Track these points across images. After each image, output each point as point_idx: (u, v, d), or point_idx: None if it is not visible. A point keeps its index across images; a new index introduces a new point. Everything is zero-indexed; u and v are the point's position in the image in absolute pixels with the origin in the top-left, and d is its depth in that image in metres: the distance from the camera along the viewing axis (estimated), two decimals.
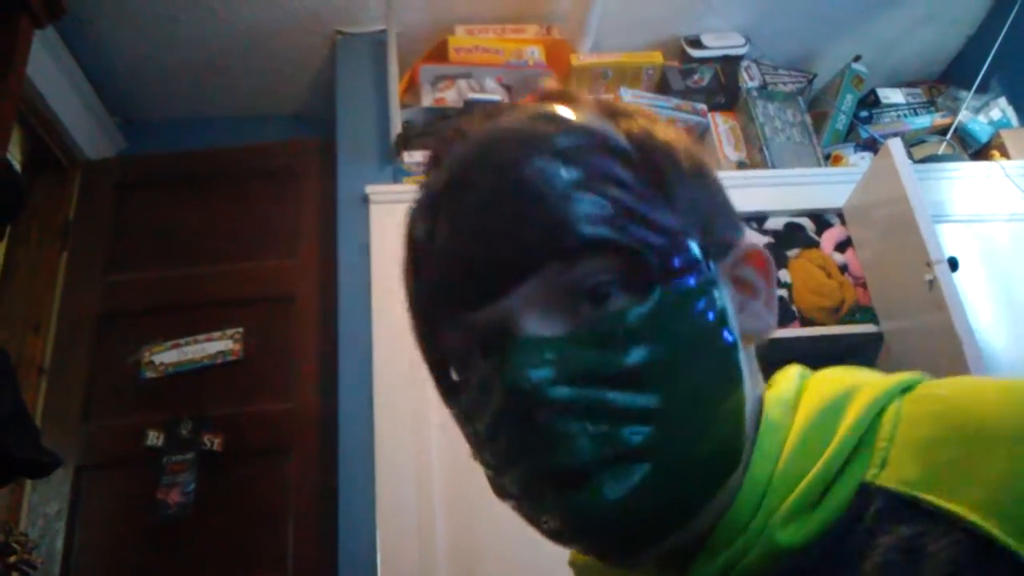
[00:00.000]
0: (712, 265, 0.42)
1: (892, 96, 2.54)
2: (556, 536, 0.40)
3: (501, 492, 0.43)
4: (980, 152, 2.40)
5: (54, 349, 2.05)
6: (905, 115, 2.50)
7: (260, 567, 1.82)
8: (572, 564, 0.57)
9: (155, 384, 1.98)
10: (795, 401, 0.42)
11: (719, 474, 0.39)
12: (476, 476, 1.66)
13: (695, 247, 0.41)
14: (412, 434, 1.75)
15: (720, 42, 2.47)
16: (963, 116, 2.40)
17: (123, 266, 2.15)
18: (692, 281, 0.40)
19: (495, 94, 2.26)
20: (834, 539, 0.37)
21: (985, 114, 2.42)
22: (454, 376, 0.45)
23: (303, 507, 1.85)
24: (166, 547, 1.81)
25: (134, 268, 2.15)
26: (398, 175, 2.11)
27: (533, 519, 0.41)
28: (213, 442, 1.88)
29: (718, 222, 0.44)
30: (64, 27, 2.12)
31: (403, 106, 2.22)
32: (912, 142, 2.37)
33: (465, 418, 0.43)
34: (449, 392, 0.45)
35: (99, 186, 2.27)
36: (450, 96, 2.25)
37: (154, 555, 1.81)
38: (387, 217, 2.00)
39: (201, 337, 2.02)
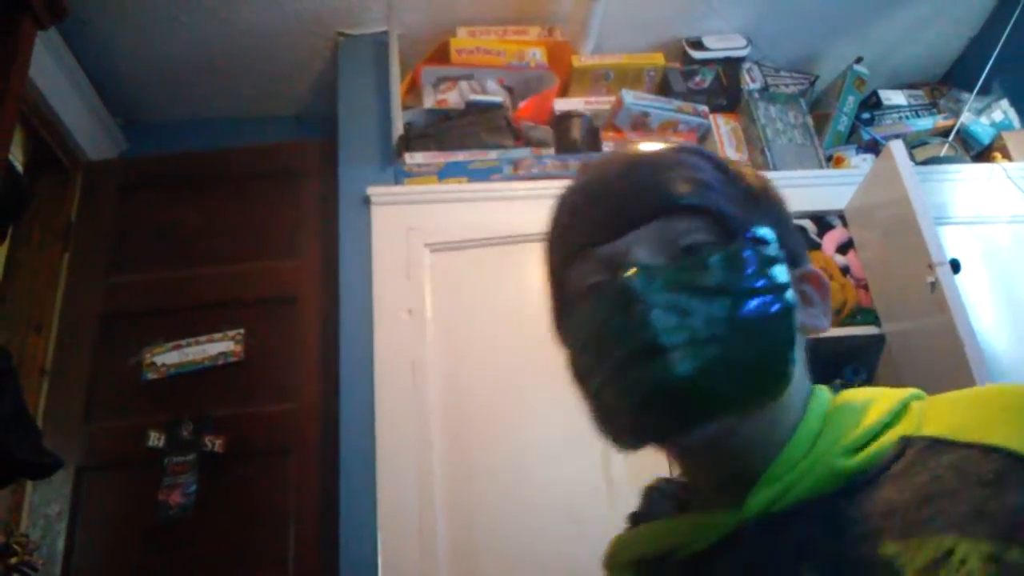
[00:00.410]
0: (782, 251, 0.54)
1: (894, 98, 2.54)
2: (635, 408, 0.49)
3: (594, 385, 0.53)
4: (982, 154, 2.39)
5: (56, 350, 2.05)
6: (907, 117, 2.50)
7: (261, 568, 1.82)
8: (612, 566, 0.64)
9: (156, 385, 1.98)
10: (831, 399, 0.55)
11: (765, 384, 0.49)
12: (477, 476, 1.66)
13: (771, 233, 0.54)
14: (413, 435, 1.75)
15: (722, 44, 2.47)
16: (965, 118, 2.40)
17: (125, 267, 2.15)
18: (765, 249, 0.52)
19: (497, 95, 2.26)
20: (882, 468, 0.47)
21: (987, 116, 2.42)
22: (571, 298, 0.56)
23: (304, 508, 1.85)
24: (167, 548, 1.81)
25: (136, 269, 2.15)
26: (399, 176, 2.11)
27: (616, 400, 0.50)
28: (214, 443, 1.88)
29: (790, 240, 0.57)
30: (66, 28, 2.12)
31: (405, 107, 2.23)
32: (914, 144, 2.37)
33: (577, 326, 0.55)
34: (566, 309, 0.58)
35: (101, 187, 2.28)
36: (452, 97, 2.25)
37: (155, 556, 1.81)
38: (388, 218, 2.00)
39: (202, 338, 2.02)
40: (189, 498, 1.82)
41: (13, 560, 1.46)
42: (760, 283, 0.50)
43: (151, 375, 1.98)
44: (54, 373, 2.03)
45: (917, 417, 0.50)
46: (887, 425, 0.50)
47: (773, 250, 0.53)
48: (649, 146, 0.59)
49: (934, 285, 1.68)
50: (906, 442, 0.48)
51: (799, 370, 0.53)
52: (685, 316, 0.48)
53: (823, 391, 0.55)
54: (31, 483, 1.88)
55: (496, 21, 2.37)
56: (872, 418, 0.50)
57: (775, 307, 0.50)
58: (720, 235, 0.52)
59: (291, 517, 1.84)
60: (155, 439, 1.88)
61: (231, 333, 2.03)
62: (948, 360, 1.62)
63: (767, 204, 0.57)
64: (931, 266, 1.69)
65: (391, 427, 1.76)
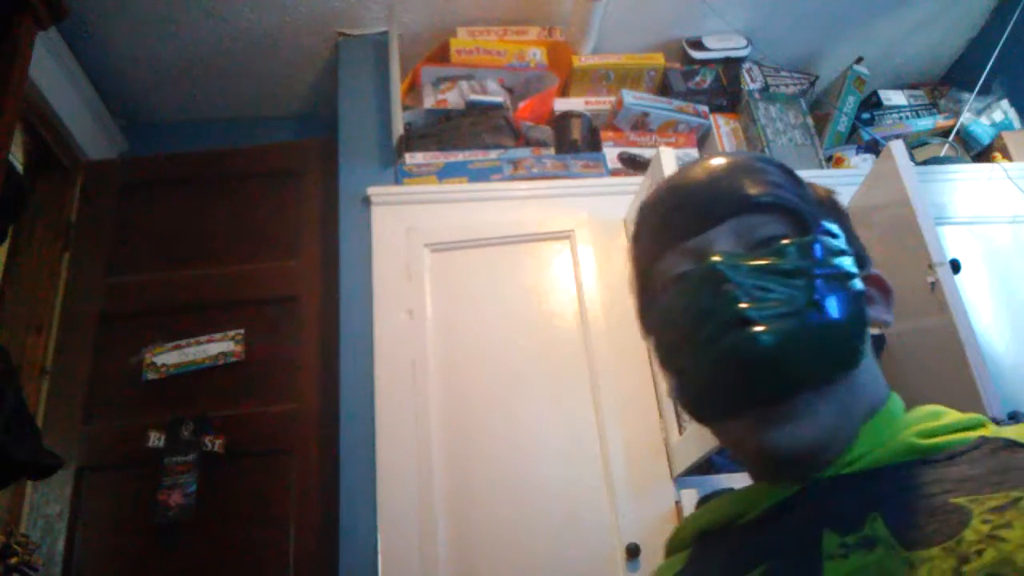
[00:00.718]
0: (851, 249, 0.60)
1: (894, 98, 2.54)
2: (722, 376, 0.53)
3: (682, 361, 0.57)
4: (982, 154, 2.39)
5: (56, 350, 2.05)
6: (907, 117, 2.50)
7: (261, 568, 1.82)
8: (673, 546, 0.66)
9: (156, 385, 1.98)
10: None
11: (839, 356, 0.54)
12: (476, 477, 1.66)
13: (839, 229, 0.60)
14: (413, 435, 1.75)
15: (722, 44, 2.47)
16: (965, 118, 2.40)
17: (125, 267, 2.15)
18: (834, 241, 0.58)
19: (497, 96, 2.26)
20: (958, 454, 0.50)
21: (987, 116, 2.42)
22: (659, 288, 0.61)
23: (304, 508, 1.85)
24: (167, 548, 1.81)
25: (136, 269, 2.15)
26: (400, 176, 2.11)
27: (706, 373, 0.54)
28: (214, 443, 1.88)
29: (855, 243, 0.62)
30: (67, 29, 2.12)
31: (405, 107, 2.23)
32: (914, 144, 2.37)
33: (666, 309, 0.59)
34: (652, 300, 0.62)
35: (101, 187, 2.28)
36: (452, 97, 2.25)
37: (155, 556, 1.81)
38: (388, 218, 2.00)
39: (202, 338, 2.02)
40: (189, 498, 1.82)
41: (13, 560, 1.46)
42: (831, 269, 0.56)
43: (151, 375, 1.99)
44: (54, 373, 2.03)
45: (994, 430, 0.53)
46: (964, 427, 0.53)
47: (841, 243, 0.59)
48: (723, 156, 0.65)
49: (934, 285, 1.68)
50: (983, 440, 0.51)
51: (870, 361, 0.57)
52: (766, 294, 0.53)
53: (897, 397, 0.59)
54: (31, 483, 1.88)
55: (496, 21, 2.37)
56: (950, 419, 0.54)
57: (845, 290, 0.55)
58: (792, 228, 0.58)
59: (291, 517, 1.84)
60: (155, 439, 1.88)
61: (231, 333, 2.03)
62: (948, 360, 1.62)
63: (833, 210, 0.64)
64: (931, 266, 1.69)
65: (391, 427, 1.76)
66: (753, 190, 0.59)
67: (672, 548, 0.66)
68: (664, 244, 0.61)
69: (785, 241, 0.56)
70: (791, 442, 0.52)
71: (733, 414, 0.55)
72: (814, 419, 0.52)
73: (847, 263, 0.58)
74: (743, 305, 0.52)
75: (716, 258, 0.55)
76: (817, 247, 0.57)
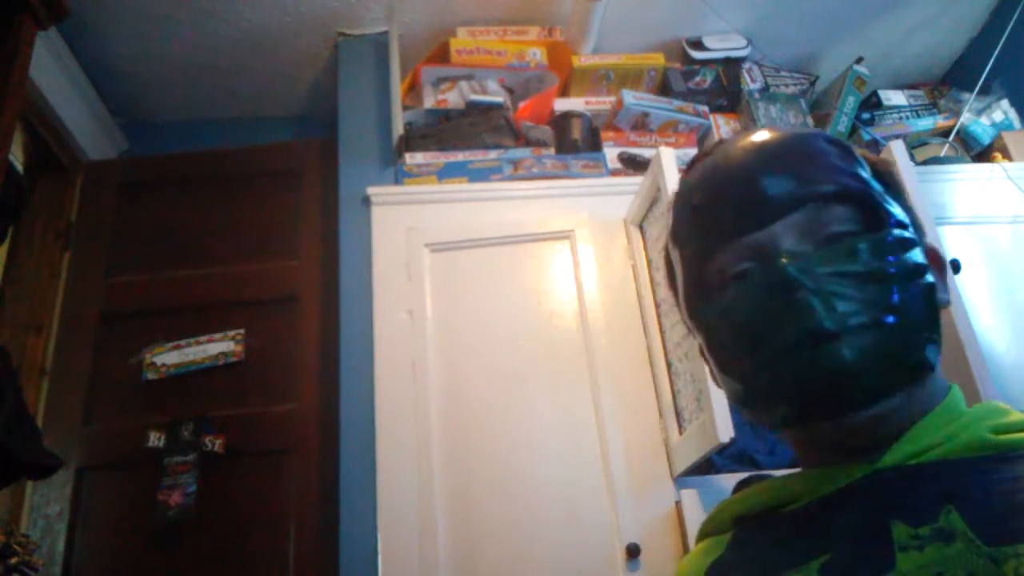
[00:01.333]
0: (918, 240, 0.56)
1: (894, 98, 2.54)
2: (799, 392, 0.50)
3: (746, 370, 0.54)
4: (982, 154, 2.39)
5: (56, 350, 2.05)
6: (907, 117, 2.50)
7: (261, 568, 1.82)
8: (710, 528, 0.63)
9: (156, 385, 1.98)
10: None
11: (922, 361, 0.51)
12: (476, 476, 1.66)
13: (905, 215, 0.56)
14: (413, 435, 1.75)
15: (722, 44, 2.47)
16: (965, 118, 2.40)
17: (125, 267, 2.15)
18: (904, 233, 0.54)
19: (497, 96, 2.26)
20: None
21: (987, 116, 2.42)
22: (712, 284, 0.57)
23: (304, 508, 1.85)
24: (167, 548, 1.81)
25: (136, 269, 2.15)
26: (400, 176, 2.11)
27: (774, 384, 0.51)
28: (214, 443, 1.88)
29: (914, 218, 0.58)
30: (66, 28, 2.12)
31: (405, 108, 2.23)
32: (914, 144, 2.37)
33: (720, 316, 0.55)
34: (704, 295, 0.58)
35: (101, 187, 2.28)
36: (452, 97, 2.25)
37: (155, 556, 1.81)
38: (388, 218, 2.00)
39: (202, 338, 2.02)
40: (189, 498, 1.82)
41: (13, 560, 1.46)
42: (906, 266, 0.52)
43: (151, 375, 1.99)
44: (54, 373, 2.02)
45: None
46: None
47: (910, 232, 0.55)
48: (767, 132, 0.60)
49: None
50: None
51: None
52: (843, 302, 0.50)
53: (958, 389, 0.57)
54: (31, 483, 1.88)
55: (496, 21, 2.37)
56: (1017, 417, 0.52)
57: (920, 286, 0.52)
58: (863, 221, 0.54)
59: (291, 517, 1.84)
60: (155, 439, 1.88)
61: (231, 333, 2.03)
62: (948, 360, 1.63)
63: (894, 185, 0.59)
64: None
65: (391, 427, 1.76)
66: (819, 179, 0.54)
67: (708, 531, 0.63)
68: (719, 236, 0.56)
69: (856, 238, 0.52)
70: (858, 423, 0.50)
71: (801, 425, 0.52)
72: (884, 401, 0.50)
73: (918, 255, 0.54)
74: (822, 315, 0.49)
75: (784, 260, 0.51)
76: (891, 243, 0.53)
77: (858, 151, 0.59)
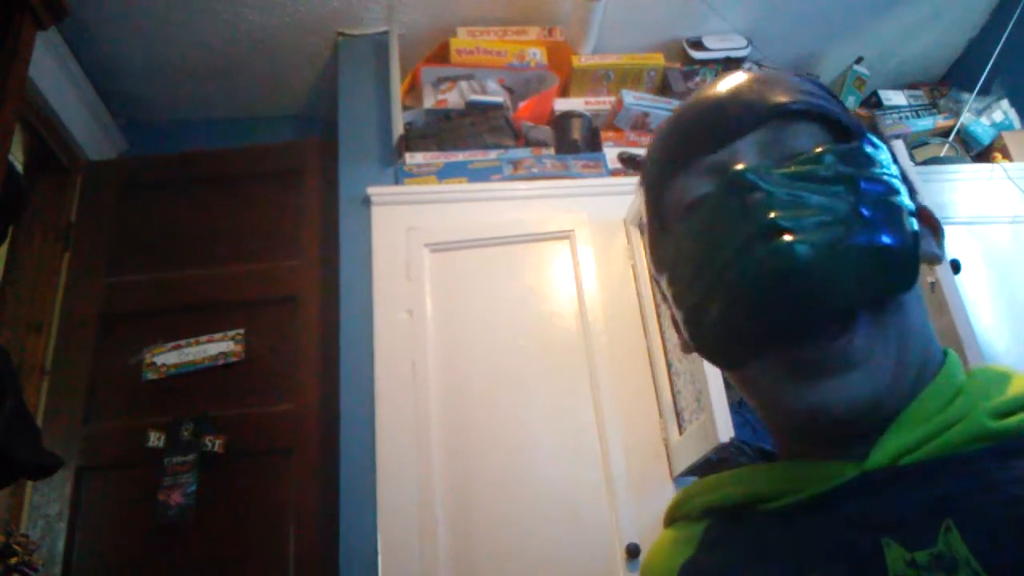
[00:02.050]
0: (899, 168, 0.51)
1: (894, 98, 2.54)
2: (752, 304, 0.44)
3: (701, 292, 0.48)
4: (982, 154, 2.39)
5: (55, 350, 2.05)
6: (907, 117, 2.49)
7: (261, 568, 1.82)
8: (679, 515, 0.58)
9: (156, 385, 1.98)
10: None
11: (893, 271, 0.45)
12: (476, 476, 1.66)
13: (887, 151, 0.51)
14: (413, 435, 1.75)
15: (721, 44, 2.47)
16: (965, 118, 2.40)
17: (124, 267, 2.15)
18: (882, 153, 0.49)
19: (497, 96, 2.26)
20: None
21: (987, 116, 2.42)
22: (672, 215, 0.53)
23: (304, 508, 1.85)
24: (167, 548, 1.81)
25: (135, 269, 2.15)
26: (400, 176, 2.11)
27: (728, 299, 0.45)
28: (214, 443, 1.88)
29: (902, 171, 0.53)
30: (66, 28, 2.12)
31: (405, 108, 2.23)
32: (914, 144, 2.37)
33: (680, 237, 0.50)
34: (664, 230, 0.53)
35: (101, 187, 2.28)
36: (452, 97, 2.25)
37: (155, 556, 1.81)
38: (388, 218, 2.00)
39: (202, 338, 2.02)
40: (189, 498, 1.82)
41: (13, 560, 1.46)
42: (878, 180, 0.47)
43: (151, 375, 1.99)
44: (54, 373, 2.02)
45: None
46: None
47: (887, 156, 0.50)
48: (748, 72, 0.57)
49: (934, 285, 1.68)
50: None
51: (920, 300, 0.49)
52: (804, 202, 0.45)
53: (955, 354, 0.50)
54: (31, 483, 1.88)
55: (496, 21, 2.37)
56: (1019, 386, 0.46)
57: (895, 204, 0.46)
58: (831, 138, 0.49)
59: (291, 517, 1.84)
60: (155, 439, 1.88)
61: (231, 333, 2.03)
62: None
63: (875, 131, 0.54)
64: (931, 266, 1.69)
65: (391, 427, 1.76)
66: (785, 96, 0.50)
67: (676, 516, 0.58)
68: (679, 163, 0.52)
69: (822, 151, 0.47)
70: (842, 401, 0.43)
71: (762, 352, 0.45)
72: (868, 368, 0.44)
73: (895, 178, 0.49)
74: (777, 213, 0.43)
75: (740, 166, 0.46)
76: (865, 154, 0.48)
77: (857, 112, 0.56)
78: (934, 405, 0.45)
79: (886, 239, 0.44)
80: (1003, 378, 0.47)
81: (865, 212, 0.44)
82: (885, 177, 0.48)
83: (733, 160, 0.48)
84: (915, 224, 0.47)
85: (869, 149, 0.48)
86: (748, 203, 0.45)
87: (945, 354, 0.50)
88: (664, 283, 0.53)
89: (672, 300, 0.52)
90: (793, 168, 0.46)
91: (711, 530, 0.53)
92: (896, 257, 0.44)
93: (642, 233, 2.00)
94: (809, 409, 0.44)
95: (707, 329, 0.47)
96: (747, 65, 2.48)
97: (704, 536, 0.53)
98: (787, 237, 0.42)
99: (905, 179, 0.51)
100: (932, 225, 0.53)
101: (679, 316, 0.51)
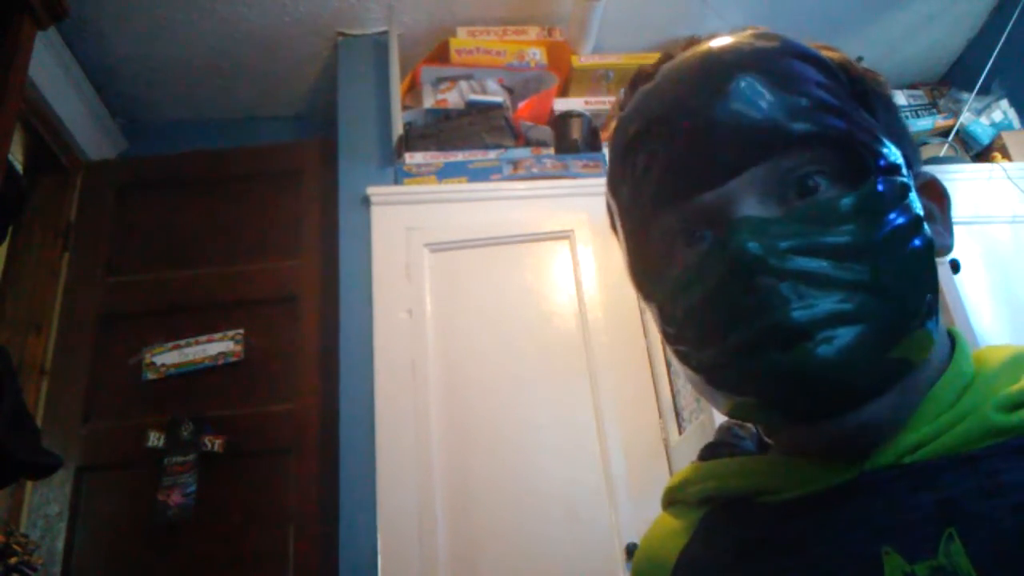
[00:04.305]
0: (911, 173, 0.46)
1: (894, 98, 2.54)
2: (768, 394, 0.41)
3: (701, 366, 0.45)
4: (982, 154, 2.39)
5: (55, 350, 2.05)
6: (906, 117, 2.50)
7: (261, 568, 1.82)
8: (677, 500, 0.56)
9: (156, 385, 1.98)
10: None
11: (919, 349, 0.41)
12: (476, 476, 1.66)
13: (897, 152, 0.45)
14: (413, 435, 1.75)
15: None
16: (965, 118, 2.40)
17: (124, 267, 2.15)
18: (897, 179, 0.44)
19: (496, 95, 2.26)
20: None
21: (987, 116, 2.42)
22: (660, 251, 0.48)
23: (304, 508, 1.85)
24: (167, 548, 1.81)
25: (135, 269, 2.15)
26: (399, 176, 2.11)
27: (736, 383, 0.43)
28: (214, 443, 1.88)
29: (904, 144, 0.47)
30: (66, 28, 2.12)
31: (404, 107, 2.23)
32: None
33: (672, 296, 0.46)
34: (650, 261, 0.49)
35: (101, 187, 2.28)
36: (451, 97, 2.25)
37: (155, 556, 1.81)
38: (388, 218, 2.00)
39: (202, 338, 2.02)
40: (189, 498, 1.82)
41: (13, 560, 1.46)
42: (898, 226, 0.42)
43: (151, 375, 1.98)
44: (53, 373, 2.02)
45: None
46: None
47: (904, 174, 0.44)
48: (722, 45, 0.48)
49: None
50: None
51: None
52: (820, 286, 0.40)
53: (962, 337, 0.47)
54: (31, 483, 1.88)
55: (496, 21, 2.37)
56: None
57: (918, 248, 0.42)
58: (845, 168, 0.43)
59: (291, 517, 1.84)
60: (155, 439, 1.88)
61: (231, 333, 2.03)
62: None
63: (882, 106, 0.47)
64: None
65: (391, 427, 1.76)
66: (789, 115, 0.43)
67: (674, 500, 0.56)
68: (664, 196, 0.45)
69: (834, 196, 0.42)
70: (843, 428, 0.41)
71: (777, 431, 0.44)
72: (873, 404, 0.41)
73: (914, 204, 0.43)
74: (791, 307, 0.39)
75: (743, 234, 0.40)
76: (881, 196, 0.42)
77: (836, 57, 0.48)
78: (945, 398, 0.43)
79: (911, 320, 0.41)
80: (1015, 363, 0.44)
81: (887, 285, 0.40)
82: (902, 215, 0.42)
83: (729, 207, 0.43)
84: (934, 251, 0.44)
85: (886, 183, 0.43)
86: (755, 288, 0.40)
87: (953, 339, 0.47)
88: (653, 312, 0.50)
89: (668, 344, 0.48)
90: (803, 237, 0.41)
91: (708, 520, 0.51)
92: (920, 337, 0.41)
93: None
94: (810, 437, 0.43)
95: (715, 395, 0.45)
96: None
97: (700, 526, 0.51)
98: (805, 342, 0.39)
99: (907, 155, 0.46)
100: (938, 199, 0.50)
101: (676, 361, 0.48)
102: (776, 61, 0.46)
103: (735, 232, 0.41)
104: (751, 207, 0.43)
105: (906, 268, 0.41)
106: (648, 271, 0.49)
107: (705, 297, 0.43)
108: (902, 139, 0.47)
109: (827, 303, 0.39)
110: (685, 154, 0.44)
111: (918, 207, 0.44)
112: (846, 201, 0.42)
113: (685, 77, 0.47)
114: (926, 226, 0.43)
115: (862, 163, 0.43)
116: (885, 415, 0.42)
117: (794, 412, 0.41)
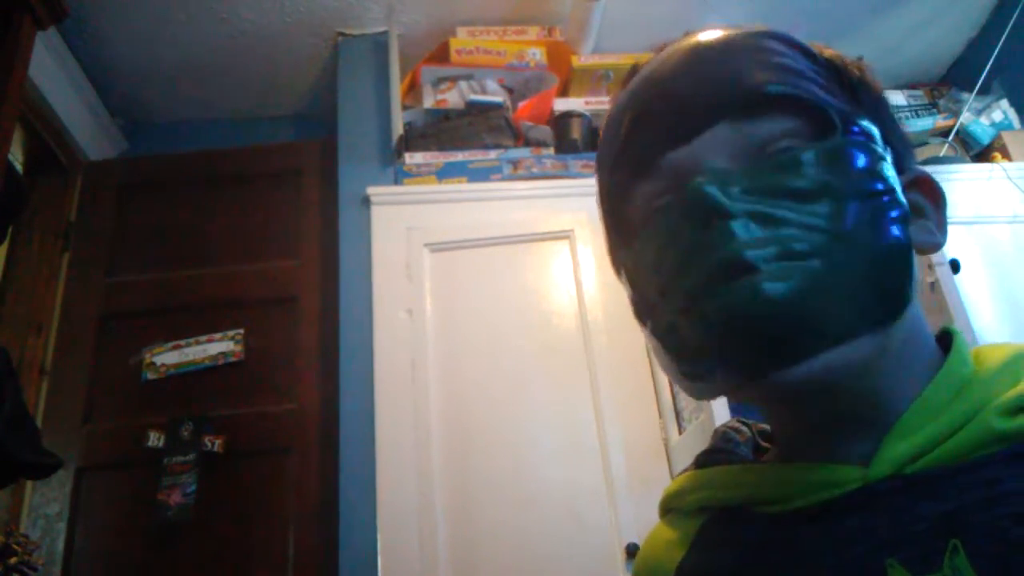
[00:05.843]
0: (888, 149, 0.44)
1: (894, 98, 2.54)
2: (717, 341, 0.40)
3: (665, 320, 0.44)
4: (982, 154, 2.40)
5: (55, 350, 2.05)
6: (907, 117, 2.50)
7: (261, 568, 1.82)
8: (674, 508, 0.56)
9: (156, 385, 1.98)
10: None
11: (878, 305, 0.40)
12: (476, 476, 1.66)
13: (875, 127, 0.44)
14: (413, 435, 1.75)
15: None
16: (965, 118, 2.40)
17: (124, 267, 2.15)
18: (869, 145, 0.43)
19: (497, 95, 2.26)
20: None
21: (987, 116, 2.42)
22: (633, 224, 0.48)
23: (304, 508, 1.85)
24: (167, 548, 1.81)
25: (135, 269, 2.15)
26: (399, 176, 2.11)
27: (691, 339, 0.42)
28: (214, 443, 1.88)
29: (894, 138, 0.47)
30: (66, 28, 2.12)
31: (404, 107, 2.23)
32: (913, 144, 2.37)
33: (641, 253, 0.46)
34: (625, 238, 0.49)
35: (101, 187, 2.28)
36: (451, 97, 2.25)
37: (155, 556, 1.81)
38: (388, 218, 2.00)
39: (202, 338, 2.02)
40: (189, 498, 1.82)
41: (13, 560, 1.46)
42: (869, 183, 0.41)
43: (151, 375, 1.99)
44: (54, 373, 2.02)
45: None
46: None
47: (879, 145, 0.44)
48: (714, 31, 0.48)
49: (934, 285, 1.68)
50: None
51: (917, 303, 0.44)
52: (776, 225, 0.39)
53: (961, 335, 0.46)
54: (31, 483, 1.88)
55: (496, 21, 2.37)
56: None
57: (889, 211, 0.41)
58: (809, 126, 0.42)
59: (291, 517, 1.84)
60: (155, 439, 1.88)
61: (231, 333, 2.03)
62: None
63: (868, 96, 0.47)
64: (931, 266, 1.69)
65: (391, 427, 1.76)
66: (757, 77, 0.43)
67: (671, 507, 0.55)
68: (636, 162, 0.46)
69: (796, 149, 0.41)
70: (810, 373, 0.39)
71: (733, 387, 0.42)
72: (846, 378, 0.40)
73: (888, 172, 0.42)
74: (740, 241, 0.39)
75: (700, 178, 0.40)
76: (850, 153, 0.41)
77: (829, 52, 0.48)
78: (942, 400, 0.41)
79: (872, 272, 0.39)
80: (1015, 363, 0.43)
81: (848, 234, 0.39)
82: (872, 178, 0.41)
83: (694, 162, 0.43)
84: (909, 232, 0.42)
85: (855, 142, 0.42)
86: (710, 226, 0.40)
87: (951, 337, 0.46)
88: (629, 295, 0.50)
89: (634, 313, 0.49)
90: (764, 176, 0.41)
91: (705, 530, 0.50)
92: (880, 292, 0.40)
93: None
94: (770, 389, 0.41)
95: (681, 361, 0.44)
96: None
97: (698, 536, 0.50)
98: (752, 276, 0.38)
99: (897, 150, 0.46)
100: (932, 196, 0.49)
101: (648, 338, 0.47)
102: (758, 39, 0.47)
103: (697, 177, 0.41)
104: (717, 162, 0.43)
105: (873, 224, 0.40)
106: (622, 246, 0.49)
107: (666, 248, 0.43)
108: (892, 135, 0.46)
109: (779, 240, 0.39)
110: (655, 113, 0.45)
111: (891, 176, 0.43)
112: (811, 152, 0.41)
113: (665, 56, 0.48)
114: (902, 197, 0.42)
115: (828, 123, 0.42)
116: (862, 372, 0.40)
117: (749, 361, 0.39)
